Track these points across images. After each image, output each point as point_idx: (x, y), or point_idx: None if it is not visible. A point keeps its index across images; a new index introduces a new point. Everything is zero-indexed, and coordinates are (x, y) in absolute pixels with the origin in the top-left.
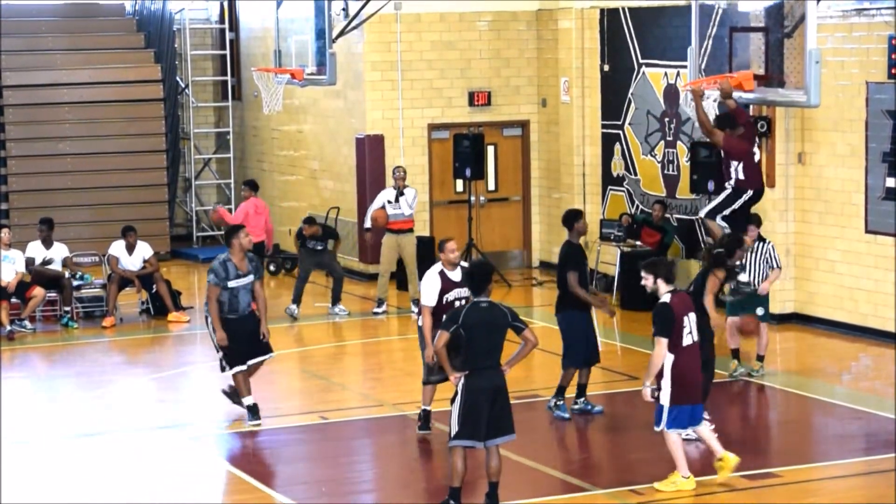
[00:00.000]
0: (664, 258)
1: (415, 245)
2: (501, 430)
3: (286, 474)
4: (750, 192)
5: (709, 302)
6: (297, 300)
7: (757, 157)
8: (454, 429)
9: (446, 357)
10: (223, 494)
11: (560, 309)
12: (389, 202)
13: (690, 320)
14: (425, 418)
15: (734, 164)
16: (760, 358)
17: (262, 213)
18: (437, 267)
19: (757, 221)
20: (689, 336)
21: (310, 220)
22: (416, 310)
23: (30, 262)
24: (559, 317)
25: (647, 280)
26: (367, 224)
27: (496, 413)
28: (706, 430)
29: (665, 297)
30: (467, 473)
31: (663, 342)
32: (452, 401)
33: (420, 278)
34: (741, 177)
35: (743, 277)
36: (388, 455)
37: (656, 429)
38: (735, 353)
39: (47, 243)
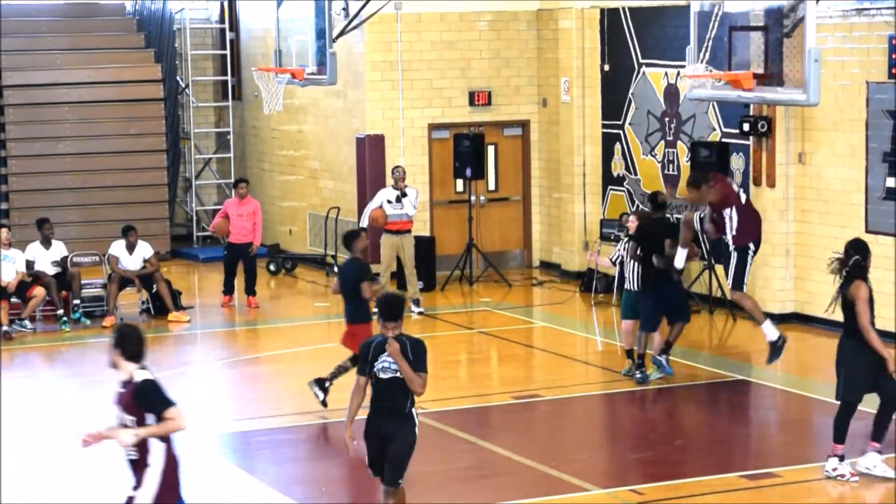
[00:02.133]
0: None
1: (413, 245)
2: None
3: (286, 474)
4: (752, 247)
5: (862, 314)
6: None
7: (745, 208)
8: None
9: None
10: (223, 494)
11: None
12: (389, 202)
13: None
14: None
15: (727, 212)
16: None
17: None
18: None
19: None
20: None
21: None
22: (416, 310)
23: (30, 265)
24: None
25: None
26: (364, 223)
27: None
28: None
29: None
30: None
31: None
32: None
33: (419, 278)
34: (734, 231)
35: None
36: None
37: None
38: (629, 353)
39: (47, 243)
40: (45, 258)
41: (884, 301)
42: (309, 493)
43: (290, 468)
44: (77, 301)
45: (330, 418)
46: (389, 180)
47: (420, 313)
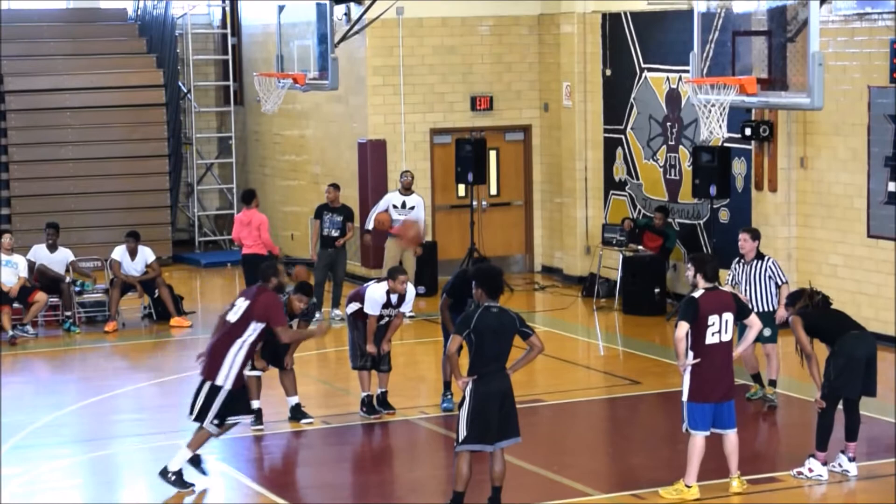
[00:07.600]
0: (708, 255)
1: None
2: (507, 433)
3: (287, 479)
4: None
5: None
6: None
7: None
8: (462, 433)
9: (457, 362)
10: (225, 500)
11: None
12: (395, 206)
13: (721, 320)
14: (370, 403)
15: None
16: (773, 383)
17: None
18: (385, 287)
19: (753, 234)
20: (715, 336)
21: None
22: (409, 314)
23: (31, 264)
24: None
25: (689, 272)
26: (369, 226)
27: (503, 416)
28: (732, 441)
29: (697, 293)
30: (477, 473)
31: (682, 325)
32: (460, 406)
33: (421, 282)
34: None
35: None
36: (392, 460)
37: (683, 428)
38: (756, 378)
39: (53, 248)
40: (50, 262)
41: (885, 305)
42: (310, 496)
43: (292, 473)
44: (69, 313)
45: (332, 423)
46: (395, 185)
47: (411, 317)
